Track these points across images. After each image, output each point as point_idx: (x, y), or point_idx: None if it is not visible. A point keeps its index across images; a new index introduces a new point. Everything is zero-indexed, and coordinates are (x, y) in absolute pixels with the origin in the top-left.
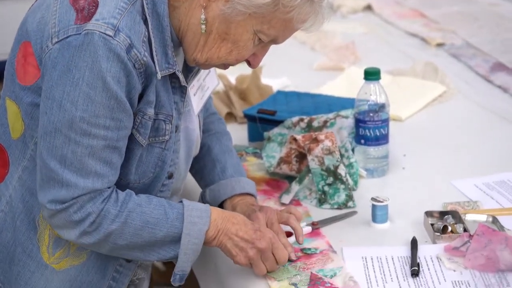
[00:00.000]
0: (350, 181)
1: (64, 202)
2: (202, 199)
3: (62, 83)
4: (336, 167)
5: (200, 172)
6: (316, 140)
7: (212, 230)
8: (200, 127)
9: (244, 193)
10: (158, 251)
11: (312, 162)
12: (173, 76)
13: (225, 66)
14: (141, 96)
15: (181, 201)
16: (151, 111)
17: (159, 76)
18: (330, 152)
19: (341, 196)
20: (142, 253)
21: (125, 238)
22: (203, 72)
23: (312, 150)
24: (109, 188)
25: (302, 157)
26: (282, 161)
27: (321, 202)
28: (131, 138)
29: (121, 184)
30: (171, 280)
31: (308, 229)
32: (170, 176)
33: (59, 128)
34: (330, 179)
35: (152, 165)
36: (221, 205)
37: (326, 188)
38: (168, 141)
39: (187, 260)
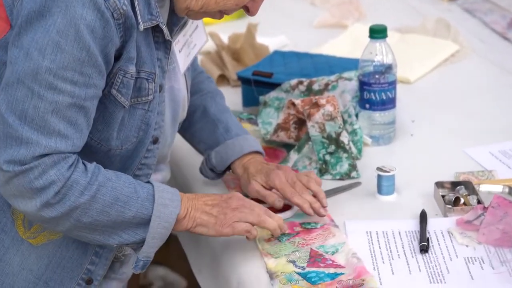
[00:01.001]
0: (354, 150)
1: (23, 163)
2: (207, 163)
3: (33, 29)
4: (338, 134)
5: (199, 135)
6: (316, 105)
7: (182, 210)
8: (187, 88)
9: (253, 152)
10: (121, 234)
11: (312, 129)
12: (156, 30)
13: (221, 14)
14: (120, 53)
15: (148, 181)
16: (132, 69)
17: (141, 27)
18: (331, 118)
19: (344, 166)
20: (102, 236)
21: (91, 215)
22: (189, 27)
23: (312, 115)
24: (73, 154)
25: (301, 123)
26: (279, 127)
27: (322, 172)
28: (112, 100)
29: (102, 150)
30: (131, 267)
31: (286, 227)
32: (155, 141)
33: (22, 79)
34: (332, 147)
35: (135, 128)
36: (228, 167)
37: (327, 157)
38: (152, 102)
39: (154, 245)
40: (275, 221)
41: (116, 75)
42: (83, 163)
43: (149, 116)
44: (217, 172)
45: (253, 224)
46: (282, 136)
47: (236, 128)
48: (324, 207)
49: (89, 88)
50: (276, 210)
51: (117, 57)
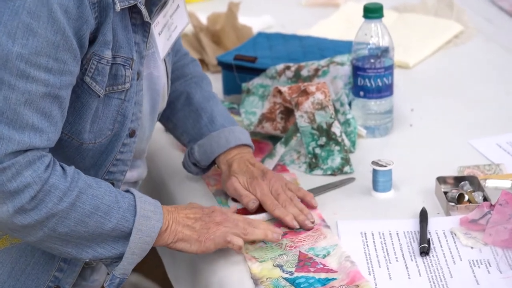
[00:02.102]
0: (347, 142)
1: None
2: (190, 158)
3: (0, 12)
4: (330, 125)
5: (182, 125)
6: (305, 93)
7: (163, 223)
8: (167, 75)
9: (240, 145)
10: (96, 248)
11: (301, 119)
12: (133, 11)
13: None
14: (95, 37)
15: (127, 190)
16: (108, 54)
17: (117, 8)
18: (322, 107)
19: (336, 160)
20: (75, 249)
21: (68, 225)
22: (170, 7)
23: (301, 104)
24: (49, 153)
25: (288, 113)
26: (264, 118)
27: (311, 167)
28: (85, 88)
29: (73, 145)
30: (105, 284)
31: (279, 232)
32: (131, 134)
33: None
34: (323, 140)
35: (110, 120)
36: (213, 162)
37: (317, 150)
38: (129, 91)
39: (133, 262)
40: (262, 229)
41: (90, 61)
42: (60, 165)
43: (125, 107)
44: (201, 167)
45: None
46: (268, 128)
47: (222, 118)
48: (314, 208)
49: (64, 76)
50: (249, 212)
51: (92, 41)
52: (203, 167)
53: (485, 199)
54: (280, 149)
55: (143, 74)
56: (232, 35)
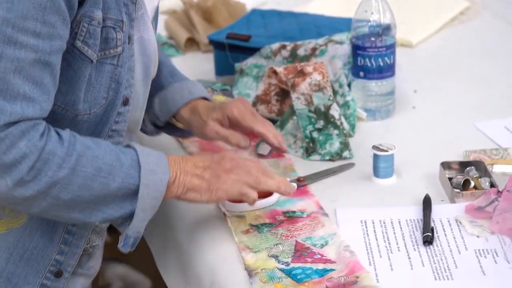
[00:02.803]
0: (346, 125)
1: None
2: (148, 114)
3: None
4: (328, 108)
5: None
6: (302, 73)
7: (171, 175)
8: (156, 38)
9: (202, 98)
10: (104, 210)
11: (297, 101)
12: None
13: None
14: None
15: (128, 145)
16: (99, 14)
17: None
18: (320, 89)
19: (335, 145)
20: (82, 214)
21: (71, 191)
22: None
23: (297, 86)
24: (42, 120)
25: (284, 95)
26: (258, 100)
27: (308, 152)
28: (77, 54)
29: (67, 117)
30: (120, 245)
31: (293, 186)
32: (125, 102)
33: None
34: (321, 123)
35: (104, 88)
36: (173, 117)
37: (315, 134)
38: (121, 55)
39: (144, 218)
40: (276, 180)
41: (81, 23)
42: (55, 130)
43: (119, 72)
44: (159, 124)
45: (251, 187)
46: (262, 110)
47: (181, 74)
48: (284, 151)
49: (54, 40)
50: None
51: (81, 2)
52: (160, 124)
53: (492, 185)
54: None
55: (134, 37)
56: (225, 12)
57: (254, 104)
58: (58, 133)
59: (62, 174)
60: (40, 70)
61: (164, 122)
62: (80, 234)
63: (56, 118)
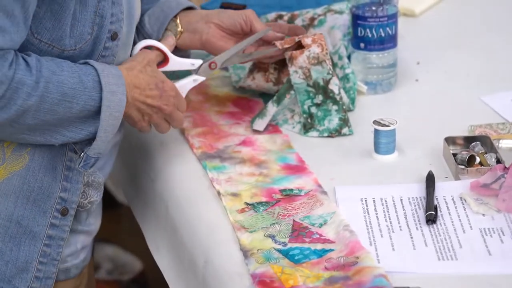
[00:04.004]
0: (345, 99)
1: None
2: (138, 36)
3: None
4: (327, 82)
5: None
6: (299, 45)
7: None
8: None
9: (191, 8)
10: (64, 132)
11: (295, 75)
12: None
13: None
14: None
15: (86, 62)
16: None
17: None
18: (318, 62)
19: (334, 121)
20: (43, 137)
21: (37, 117)
22: None
23: (295, 59)
24: (11, 50)
25: (283, 63)
26: (255, 67)
27: (306, 128)
28: None
29: (53, 53)
30: (79, 166)
31: (198, 62)
32: (113, 37)
33: None
34: (319, 98)
35: (89, 23)
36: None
37: (313, 109)
38: None
39: (106, 139)
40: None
41: None
42: (22, 57)
43: (102, 6)
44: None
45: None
46: (259, 79)
47: None
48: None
49: None
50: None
51: None
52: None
53: (499, 161)
54: (271, 108)
55: None
56: None
57: (251, 71)
58: (25, 60)
59: (31, 102)
60: (11, 1)
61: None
62: (79, 170)
63: (43, 55)
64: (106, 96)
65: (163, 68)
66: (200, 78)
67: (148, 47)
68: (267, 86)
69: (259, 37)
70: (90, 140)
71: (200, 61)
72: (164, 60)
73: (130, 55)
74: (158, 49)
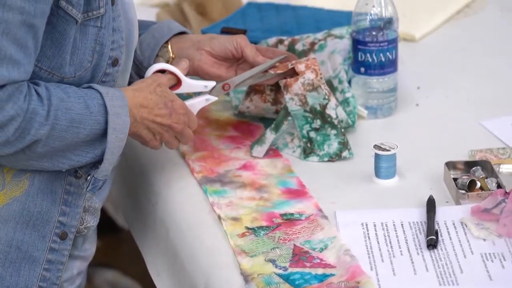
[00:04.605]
0: (344, 116)
1: None
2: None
3: None
4: (324, 107)
5: None
6: (293, 72)
7: (130, 119)
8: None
9: (183, 33)
10: (71, 157)
11: (292, 102)
12: None
13: None
14: None
15: (89, 86)
16: None
17: None
18: (314, 88)
19: (333, 145)
20: (50, 162)
21: (47, 144)
22: None
23: (290, 86)
24: (24, 81)
25: (278, 84)
26: (252, 90)
27: (306, 152)
28: (61, 15)
29: (53, 80)
30: (88, 189)
31: (211, 84)
32: (114, 63)
33: None
34: (317, 123)
35: (89, 51)
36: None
37: (312, 134)
38: (104, 16)
39: (112, 161)
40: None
41: None
42: (34, 88)
43: (102, 34)
44: (143, 71)
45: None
46: (257, 100)
47: (154, 21)
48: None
49: (39, 3)
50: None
51: None
52: (145, 71)
53: (499, 186)
54: (270, 135)
55: None
56: (219, 5)
57: (248, 94)
58: (36, 91)
59: (44, 131)
60: (25, 32)
61: (148, 67)
62: (78, 193)
63: None
64: (111, 119)
65: (176, 90)
66: (212, 98)
67: (161, 71)
68: (265, 106)
69: (276, 62)
70: (95, 163)
71: (213, 83)
72: (177, 83)
73: (143, 77)
74: (171, 72)
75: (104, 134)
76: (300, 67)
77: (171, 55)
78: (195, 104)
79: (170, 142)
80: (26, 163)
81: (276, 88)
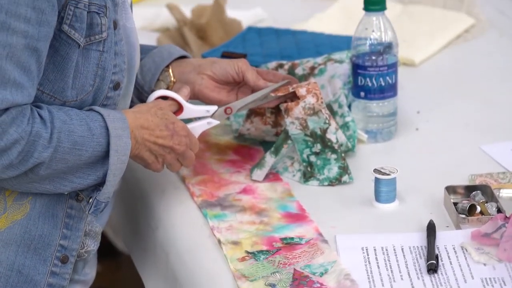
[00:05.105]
0: (344, 139)
1: None
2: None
3: None
4: (325, 131)
5: None
6: (294, 96)
7: (132, 141)
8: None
9: (183, 57)
10: (73, 179)
11: (292, 126)
12: None
13: None
14: None
15: (91, 109)
16: None
17: None
18: (314, 112)
19: (333, 170)
20: (52, 185)
21: (50, 167)
22: None
23: (291, 110)
24: (27, 105)
25: (278, 107)
26: (252, 113)
27: (306, 177)
28: (64, 39)
29: (54, 104)
30: (90, 212)
31: (213, 108)
32: (116, 87)
33: None
34: (318, 147)
35: (91, 75)
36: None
37: (312, 158)
38: (106, 41)
39: (114, 183)
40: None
41: (67, 7)
42: (37, 111)
43: (104, 58)
44: (144, 95)
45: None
46: (257, 122)
47: (154, 45)
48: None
49: (43, 26)
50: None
51: None
52: (146, 96)
53: (499, 210)
54: (270, 159)
55: (119, 23)
56: (219, 30)
57: (248, 116)
58: (39, 114)
59: (47, 154)
60: (29, 56)
61: (149, 92)
62: (79, 217)
63: None
64: (113, 141)
65: (178, 116)
66: (214, 122)
67: (162, 97)
68: (266, 128)
69: (278, 87)
70: (96, 185)
71: (215, 107)
72: (179, 109)
73: (144, 102)
74: (172, 98)
75: (105, 156)
76: (301, 91)
77: (172, 79)
78: (197, 127)
79: (172, 164)
80: (28, 185)
81: (277, 111)
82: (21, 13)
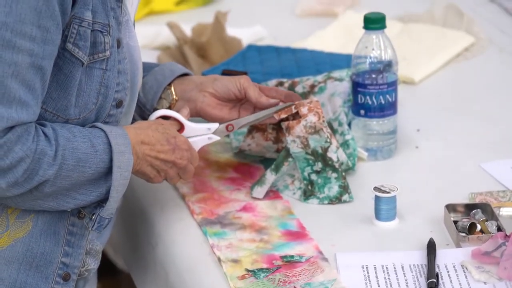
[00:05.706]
0: (344, 158)
1: None
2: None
3: None
4: (326, 150)
5: None
6: (296, 115)
7: (133, 157)
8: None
9: (185, 74)
10: (76, 196)
11: (293, 144)
12: None
13: None
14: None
15: (93, 125)
16: (88, 16)
17: None
18: (316, 131)
19: (333, 188)
20: (55, 202)
21: (55, 184)
22: None
23: (292, 129)
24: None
25: (280, 124)
26: (254, 129)
27: (306, 195)
28: (67, 57)
29: (57, 122)
30: (93, 228)
31: (214, 126)
32: (119, 105)
33: None
34: (319, 165)
35: (94, 93)
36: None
37: (313, 176)
38: (109, 59)
39: (117, 199)
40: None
41: (71, 25)
42: (41, 129)
43: (107, 76)
44: (146, 113)
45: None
46: (258, 138)
47: (156, 63)
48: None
49: (47, 45)
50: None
51: (72, 4)
52: (148, 114)
53: (499, 229)
54: (270, 176)
55: (123, 42)
56: (220, 48)
57: (250, 132)
58: (43, 132)
59: (52, 172)
60: (33, 74)
61: (151, 110)
62: (81, 235)
63: None
64: (116, 157)
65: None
66: (214, 137)
67: (164, 117)
68: (267, 144)
69: (283, 108)
70: (99, 202)
71: (216, 125)
72: (180, 128)
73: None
74: (174, 118)
75: (108, 172)
76: (303, 110)
77: (174, 97)
78: (197, 142)
79: (174, 178)
80: (32, 203)
81: (278, 127)
82: (27, 31)
